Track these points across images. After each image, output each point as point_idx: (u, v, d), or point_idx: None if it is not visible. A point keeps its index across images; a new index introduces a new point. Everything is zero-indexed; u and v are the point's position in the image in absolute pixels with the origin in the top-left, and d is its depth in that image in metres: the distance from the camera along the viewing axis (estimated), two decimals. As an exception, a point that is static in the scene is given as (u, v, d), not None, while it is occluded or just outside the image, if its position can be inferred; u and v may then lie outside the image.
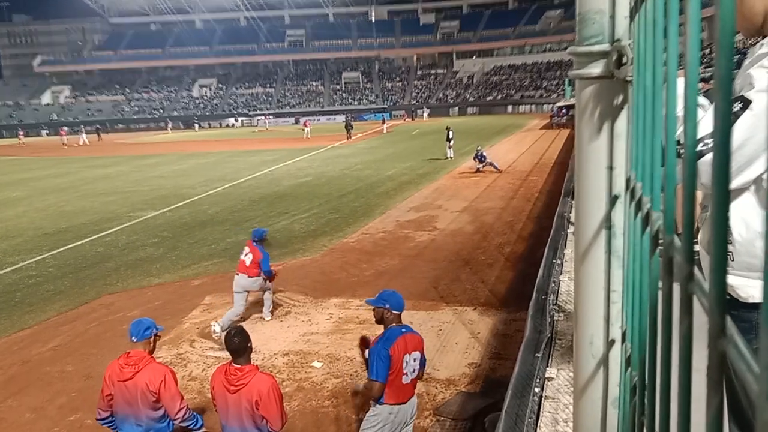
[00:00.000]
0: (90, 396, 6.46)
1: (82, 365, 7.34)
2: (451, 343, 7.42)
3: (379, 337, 4.42)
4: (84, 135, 53.33)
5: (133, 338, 4.32)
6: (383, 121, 52.18)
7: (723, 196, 0.38)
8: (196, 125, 74.46)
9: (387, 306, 4.49)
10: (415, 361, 4.39)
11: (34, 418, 6.23)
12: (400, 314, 4.51)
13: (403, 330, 4.42)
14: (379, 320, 4.54)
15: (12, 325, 8.84)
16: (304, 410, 6.00)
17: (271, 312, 8.56)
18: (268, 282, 8.28)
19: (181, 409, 4.22)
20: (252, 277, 8.09)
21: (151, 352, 4.38)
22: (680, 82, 0.61)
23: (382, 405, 4.32)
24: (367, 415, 4.48)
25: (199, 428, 4.43)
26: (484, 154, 22.44)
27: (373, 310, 4.59)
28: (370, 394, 4.32)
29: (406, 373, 4.32)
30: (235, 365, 4.06)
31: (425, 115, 67.87)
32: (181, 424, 4.30)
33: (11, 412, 6.37)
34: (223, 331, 8.00)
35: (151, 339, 4.38)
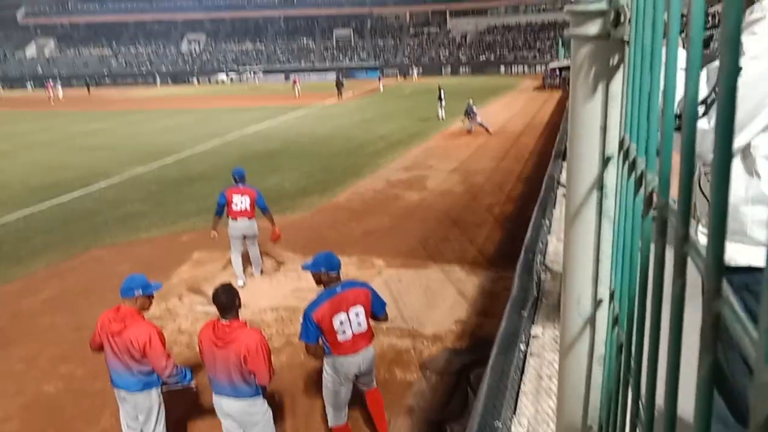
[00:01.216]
0: (81, 348, 6.49)
1: (72, 318, 7.37)
2: (439, 300, 7.51)
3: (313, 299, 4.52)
4: (60, 88, 51.86)
5: (120, 294, 4.34)
6: (379, 79, 51.30)
7: (725, 154, 0.38)
8: (196, 80, 73.38)
9: (322, 269, 4.54)
10: (357, 316, 4.46)
11: (26, 368, 6.29)
12: (338, 274, 4.58)
13: (339, 289, 4.48)
14: (318, 282, 4.64)
15: (1, 278, 8.84)
16: (293, 364, 6.09)
17: (261, 269, 8.58)
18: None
19: (167, 367, 4.25)
20: (252, 219, 8.07)
21: (141, 309, 4.38)
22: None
23: (330, 355, 4.49)
24: None
25: (188, 382, 4.49)
26: (474, 110, 22.16)
27: (312, 275, 4.63)
28: (311, 352, 4.52)
29: (343, 331, 4.41)
30: (223, 321, 4.09)
31: (415, 74, 66.59)
32: (169, 380, 4.35)
33: (2, 363, 6.42)
34: (244, 278, 8.28)
35: (135, 298, 4.37)
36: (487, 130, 21.77)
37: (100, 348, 4.41)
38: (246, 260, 8.42)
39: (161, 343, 4.28)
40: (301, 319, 4.54)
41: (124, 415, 4.46)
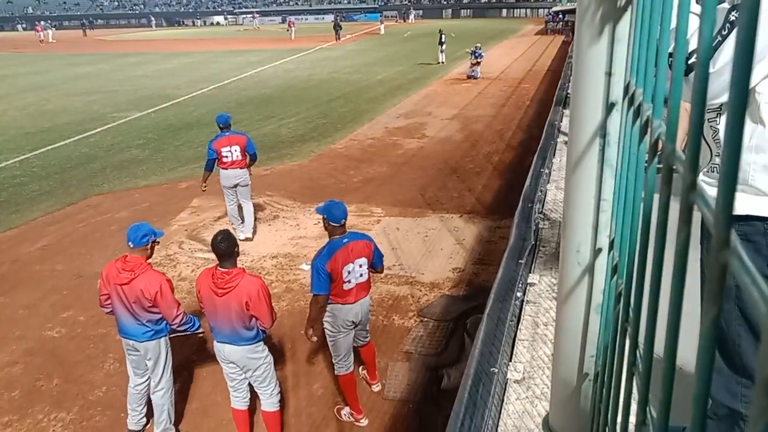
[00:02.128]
0: (81, 294, 6.58)
1: (71, 264, 7.42)
2: (437, 248, 7.56)
3: (320, 250, 4.51)
4: (50, 31, 50.69)
5: (130, 244, 4.27)
6: (381, 21, 50.04)
7: (741, 99, 0.36)
8: (200, 21, 71.97)
9: (324, 216, 4.53)
10: (361, 267, 4.51)
11: (28, 314, 6.36)
12: (342, 224, 4.54)
13: (345, 240, 4.47)
14: (326, 229, 4.60)
15: (-1, 225, 8.85)
16: (293, 310, 6.16)
17: (253, 230, 8.07)
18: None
19: (177, 315, 4.29)
20: (243, 168, 7.65)
21: (148, 258, 4.37)
22: None
23: (330, 304, 4.55)
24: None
25: (196, 329, 4.55)
26: (482, 53, 21.96)
27: (322, 219, 4.63)
28: (316, 307, 4.50)
29: (349, 281, 4.47)
30: (222, 269, 4.10)
31: (412, 17, 64.33)
32: (179, 329, 4.40)
33: (4, 308, 6.49)
34: (254, 234, 8.01)
35: (149, 246, 4.35)
36: (473, 76, 21.63)
37: (109, 304, 4.40)
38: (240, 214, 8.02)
39: (171, 291, 4.31)
40: (308, 269, 4.56)
41: (131, 363, 4.50)
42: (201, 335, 4.69)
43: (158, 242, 4.51)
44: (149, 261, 4.43)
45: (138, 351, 4.41)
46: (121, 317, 4.32)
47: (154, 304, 4.22)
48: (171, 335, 4.50)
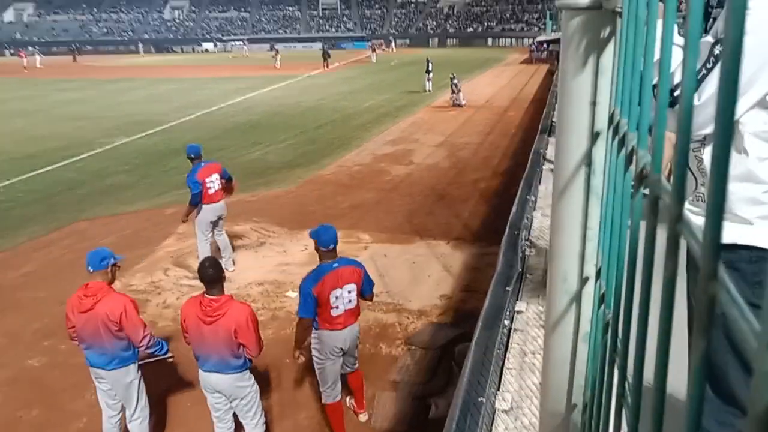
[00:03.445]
0: (64, 322, 6.45)
1: (55, 291, 7.29)
2: (424, 275, 7.54)
3: (308, 274, 4.50)
4: (38, 56, 50.88)
5: (89, 268, 4.22)
6: (373, 50, 50.43)
7: (726, 129, 0.36)
8: (189, 48, 72.59)
9: (315, 241, 4.51)
10: (349, 293, 4.50)
11: (9, 342, 6.24)
12: (333, 249, 4.52)
13: (335, 265, 4.47)
14: (317, 252, 4.58)
15: (-19, 251, 8.72)
16: (279, 338, 6.09)
17: (233, 259, 7.93)
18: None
19: (144, 336, 4.20)
20: (224, 198, 7.55)
21: (110, 282, 4.29)
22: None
23: (318, 330, 4.52)
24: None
25: (165, 353, 4.47)
26: (456, 83, 22.27)
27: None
28: (300, 329, 4.51)
29: (337, 307, 4.45)
30: (209, 296, 4.05)
31: (393, 46, 64.69)
32: (146, 351, 4.32)
33: (-17, 336, 6.37)
34: (234, 264, 7.86)
35: (109, 269, 4.28)
36: (457, 104, 21.92)
37: (76, 337, 4.32)
38: (215, 251, 7.63)
39: (136, 311, 4.24)
40: (294, 296, 4.52)
41: (102, 395, 4.40)
42: (171, 360, 4.61)
43: (119, 266, 4.44)
44: (112, 285, 4.35)
45: (106, 380, 4.31)
46: (88, 346, 4.23)
47: (120, 327, 4.13)
48: (141, 361, 4.42)
